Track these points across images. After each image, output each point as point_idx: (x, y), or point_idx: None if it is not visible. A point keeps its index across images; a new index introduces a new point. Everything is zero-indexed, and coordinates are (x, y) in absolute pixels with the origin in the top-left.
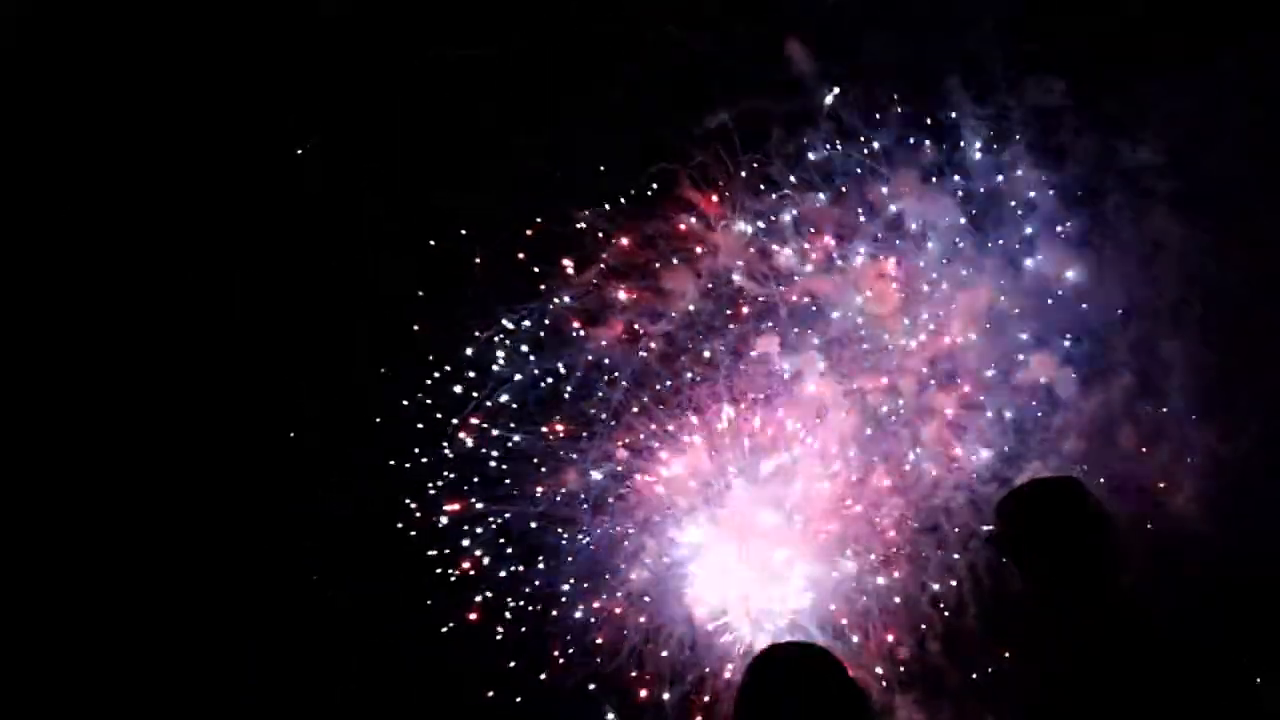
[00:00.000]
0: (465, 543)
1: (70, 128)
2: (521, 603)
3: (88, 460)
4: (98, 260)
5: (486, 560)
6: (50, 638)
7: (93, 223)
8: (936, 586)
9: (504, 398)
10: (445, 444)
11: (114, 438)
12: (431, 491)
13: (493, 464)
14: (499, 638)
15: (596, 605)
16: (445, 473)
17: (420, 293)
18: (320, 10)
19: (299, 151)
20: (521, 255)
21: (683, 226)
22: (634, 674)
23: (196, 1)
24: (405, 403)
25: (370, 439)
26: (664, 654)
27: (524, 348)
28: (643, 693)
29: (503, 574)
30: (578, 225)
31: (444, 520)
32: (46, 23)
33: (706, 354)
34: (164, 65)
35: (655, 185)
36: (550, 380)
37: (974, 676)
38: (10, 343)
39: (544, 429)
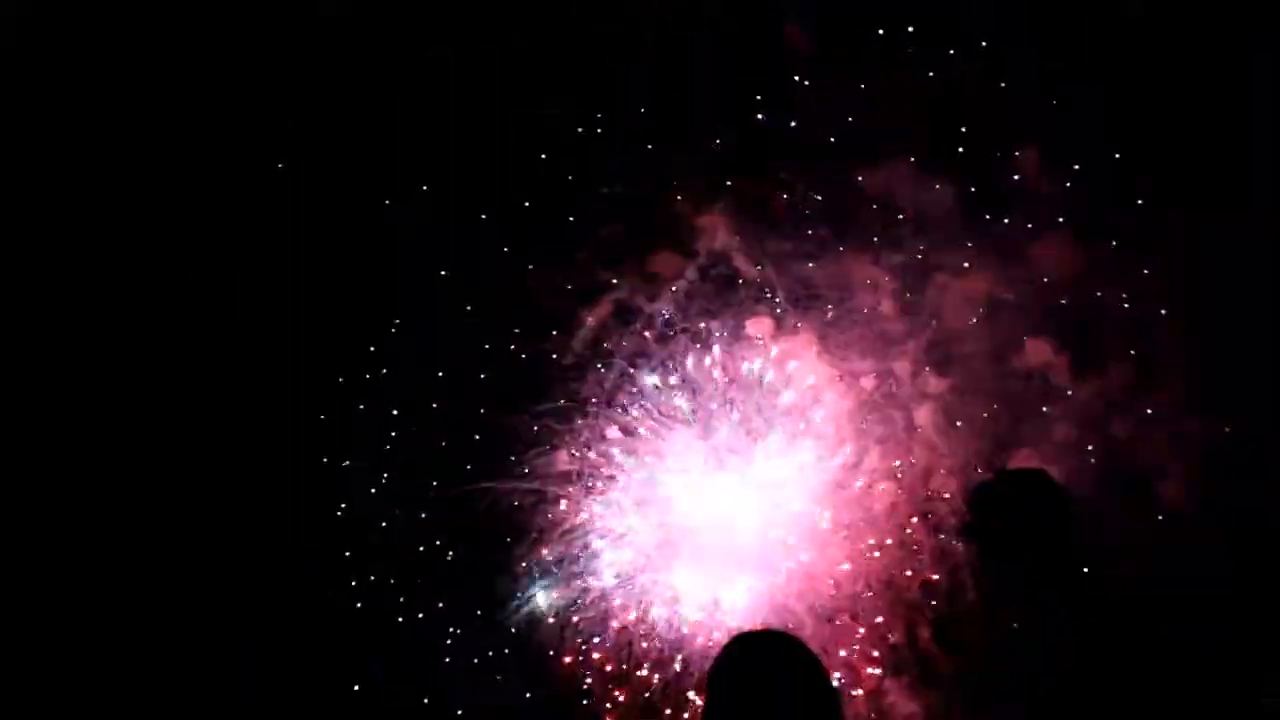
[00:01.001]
0: (453, 529)
1: (70, 128)
2: (511, 585)
3: (87, 461)
4: (96, 260)
5: (476, 547)
6: (51, 638)
7: (91, 223)
8: (928, 573)
9: (496, 380)
10: (434, 428)
11: (113, 439)
12: (422, 479)
13: (483, 446)
14: (488, 620)
15: (584, 586)
16: (435, 457)
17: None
18: (320, 10)
19: (298, 151)
20: (517, 244)
21: (678, 212)
22: (620, 655)
23: (196, 1)
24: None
25: (360, 428)
26: (651, 635)
27: (516, 330)
28: (632, 673)
29: (493, 560)
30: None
31: (433, 505)
32: (46, 23)
33: (701, 335)
34: (164, 65)
35: (653, 176)
36: (541, 360)
37: (965, 663)
38: (9, 343)
39: (535, 411)
